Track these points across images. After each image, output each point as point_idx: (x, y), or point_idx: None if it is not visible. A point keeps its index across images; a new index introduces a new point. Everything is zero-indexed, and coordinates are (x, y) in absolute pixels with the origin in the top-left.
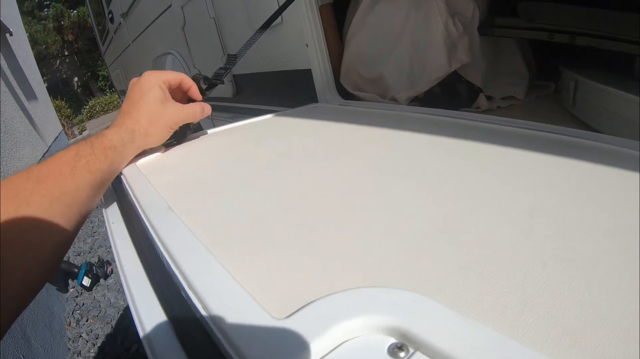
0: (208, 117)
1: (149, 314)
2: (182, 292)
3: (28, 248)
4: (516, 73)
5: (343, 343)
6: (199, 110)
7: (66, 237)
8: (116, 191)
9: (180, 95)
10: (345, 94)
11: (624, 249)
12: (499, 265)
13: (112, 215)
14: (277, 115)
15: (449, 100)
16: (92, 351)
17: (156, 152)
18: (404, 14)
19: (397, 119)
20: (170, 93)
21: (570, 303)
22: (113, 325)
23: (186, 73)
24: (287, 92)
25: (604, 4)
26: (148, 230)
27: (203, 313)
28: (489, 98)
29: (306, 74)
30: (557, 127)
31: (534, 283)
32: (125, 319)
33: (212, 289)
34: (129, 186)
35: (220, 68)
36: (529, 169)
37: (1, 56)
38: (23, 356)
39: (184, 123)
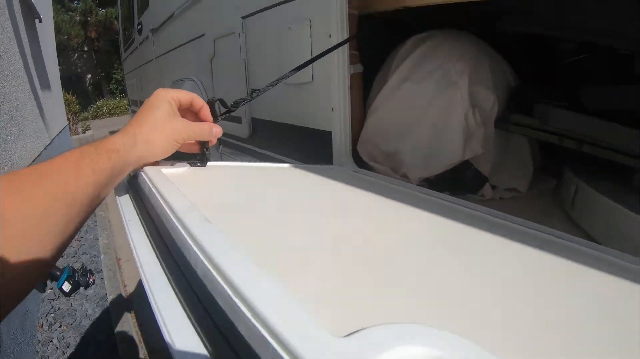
0: (217, 150)
1: (175, 322)
2: (224, 304)
3: (27, 244)
4: (522, 168)
5: None
6: (207, 129)
7: (65, 237)
8: (134, 191)
9: (193, 118)
10: (359, 162)
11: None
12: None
13: (129, 214)
14: (293, 166)
15: (457, 185)
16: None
17: (182, 167)
18: (429, 97)
19: (407, 196)
20: (181, 113)
21: None
22: (86, 338)
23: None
24: (302, 147)
25: (613, 118)
26: (184, 238)
27: (257, 324)
28: (493, 187)
29: (325, 136)
30: (555, 231)
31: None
32: (100, 334)
33: (265, 301)
34: (157, 189)
35: (240, 99)
36: (524, 269)
37: (27, 41)
38: None
39: (190, 140)
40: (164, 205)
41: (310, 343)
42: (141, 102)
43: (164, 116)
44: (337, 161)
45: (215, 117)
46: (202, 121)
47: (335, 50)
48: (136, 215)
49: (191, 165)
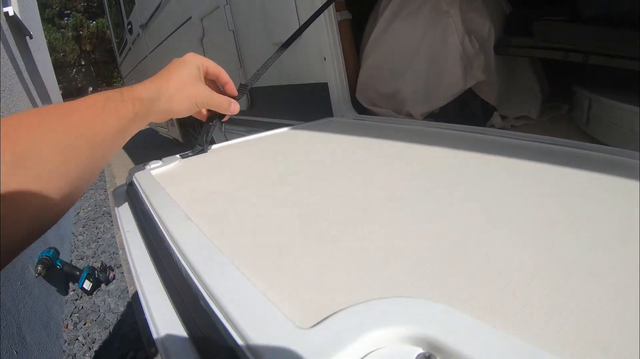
0: (220, 130)
1: (165, 322)
2: (201, 301)
3: (51, 176)
4: (530, 93)
5: (370, 353)
6: (227, 103)
7: (86, 176)
8: (131, 199)
9: (216, 90)
10: (360, 109)
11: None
12: (523, 275)
13: (127, 223)
14: (292, 128)
15: (464, 117)
16: (87, 354)
17: (172, 162)
18: (421, 31)
19: (413, 133)
20: (206, 83)
21: (597, 313)
22: (111, 330)
23: None
24: (302, 105)
25: (616, 24)
26: (165, 238)
27: (224, 321)
28: (502, 117)
29: (322, 88)
30: (572, 142)
31: (559, 293)
32: (124, 325)
33: (233, 297)
34: (145, 195)
35: (241, 85)
36: (545, 181)
37: (20, 57)
38: (17, 352)
39: (210, 107)
40: (151, 210)
41: (273, 337)
42: None
43: (190, 77)
44: (337, 112)
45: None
46: (227, 95)
47: (320, 0)
48: (134, 225)
49: (182, 157)
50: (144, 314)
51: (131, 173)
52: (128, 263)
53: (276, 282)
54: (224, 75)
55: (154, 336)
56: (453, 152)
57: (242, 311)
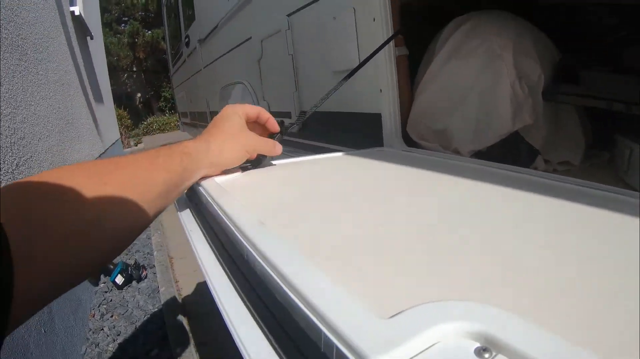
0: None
1: (241, 320)
2: (280, 296)
3: (102, 224)
4: (573, 140)
5: (435, 343)
6: (272, 145)
7: (136, 225)
8: (193, 203)
9: (259, 130)
10: (409, 142)
11: None
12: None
13: (190, 224)
14: (345, 154)
15: (508, 159)
16: (110, 345)
17: (233, 172)
18: (474, 71)
19: (461, 169)
20: (248, 126)
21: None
22: (137, 326)
23: (254, 104)
24: (353, 133)
25: None
26: (239, 239)
27: (307, 312)
28: (545, 161)
29: (375, 119)
30: (613, 188)
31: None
32: (151, 323)
33: (315, 291)
34: (212, 198)
35: (301, 112)
36: (587, 223)
37: (80, 55)
38: (45, 331)
39: (257, 153)
40: (220, 214)
41: (356, 326)
42: (190, 114)
43: (236, 128)
44: (387, 143)
45: (282, 132)
46: (269, 131)
47: (380, 33)
48: (197, 226)
49: (243, 170)
50: (218, 309)
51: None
52: (196, 260)
53: (354, 280)
54: (263, 114)
55: (233, 334)
56: (501, 189)
57: (325, 302)
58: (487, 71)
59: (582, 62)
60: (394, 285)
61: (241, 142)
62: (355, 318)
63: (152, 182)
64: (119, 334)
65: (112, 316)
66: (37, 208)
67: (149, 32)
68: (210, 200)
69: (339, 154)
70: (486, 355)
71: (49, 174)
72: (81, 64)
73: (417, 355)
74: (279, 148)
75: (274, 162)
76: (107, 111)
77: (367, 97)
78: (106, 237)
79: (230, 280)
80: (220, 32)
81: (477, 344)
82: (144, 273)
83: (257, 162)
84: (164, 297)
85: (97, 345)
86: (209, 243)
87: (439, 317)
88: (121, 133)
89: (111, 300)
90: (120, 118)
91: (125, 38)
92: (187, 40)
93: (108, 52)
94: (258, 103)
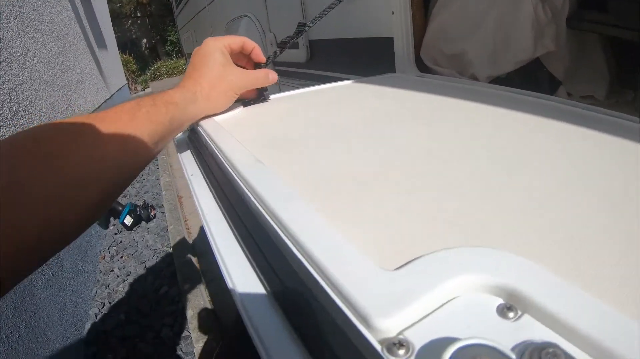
0: (275, 83)
1: (238, 266)
2: (278, 242)
3: (83, 181)
4: (598, 73)
5: (452, 299)
6: (263, 76)
7: (120, 178)
8: (194, 144)
9: (245, 60)
10: (422, 67)
11: None
12: (599, 238)
13: (191, 168)
14: (355, 81)
15: (528, 87)
16: (120, 286)
17: (235, 109)
18: None
19: (479, 94)
20: (233, 58)
21: None
22: (147, 266)
23: (260, 37)
24: (364, 59)
25: None
26: (236, 181)
27: (305, 262)
28: (568, 94)
29: (387, 43)
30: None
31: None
32: (160, 262)
33: (314, 239)
34: (211, 138)
35: (299, 24)
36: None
37: (79, 1)
38: (52, 274)
39: (248, 89)
40: (217, 153)
41: (357, 280)
42: None
43: (220, 69)
44: (400, 68)
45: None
46: (255, 62)
47: None
48: (197, 167)
49: (245, 106)
50: (214, 257)
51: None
52: (195, 207)
53: (356, 226)
54: (248, 43)
55: (228, 282)
56: (524, 117)
57: (324, 252)
58: None
59: None
60: (400, 230)
61: (229, 83)
62: (356, 270)
63: (134, 136)
64: (128, 275)
65: (122, 257)
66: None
67: None
68: (208, 140)
69: (348, 82)
70: (510, 314)
71: (25, 133)
72: (81, 10)
73: (428, 315)
74: (273, 75)
75: (277, 96)
76: (112, 57)
77: (378, 20)
78: (90, 196)
79: (228, 223)
80: None
81: (500, 301)
82: (153, 213)
83: (259, 95)
84: (172, 236)
85: (107, 286)
86: (208, 186)
87: (453, 268)
88: (127, 79)
89: (121, 242)
90: (125, 64)
91: None
92: None
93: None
94: (265, 35)
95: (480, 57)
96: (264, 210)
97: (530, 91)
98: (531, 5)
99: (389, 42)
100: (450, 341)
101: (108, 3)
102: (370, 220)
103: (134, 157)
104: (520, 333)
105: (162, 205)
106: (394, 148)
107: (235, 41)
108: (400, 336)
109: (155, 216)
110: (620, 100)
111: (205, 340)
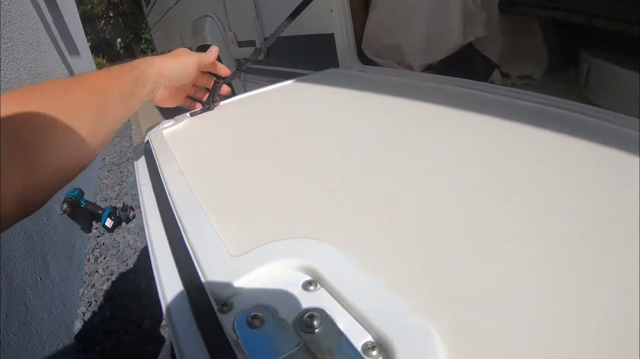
0: (239, 79)
1: (162, 254)
2: (183, 236)
3: (67, 132)
4: (535, 53)
5: (273, 277)
6: (212, 51)
7: (100, 133)
8: (147, 156)
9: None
10: (365, 60)
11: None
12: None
13: (143, 177)
14: (297, 80)
15: (465, 73)
16: (105, 285)
17: (182, 121)
18: None
19: (412, 88)
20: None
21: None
22: (128, 264)
23: (222, 36)
24: (311, 55)
25: None
26: (165, 190)
27: (190, 249)
28: (505, 75)
29: (329, 39)
30: (568, 103)
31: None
32: (140, 260)
33: (197, 234)
34: (155, 153)
35: (244, 59)
36: (533, 145)
37: (47, 10)
38: (40, 279)
39: (203, 64)
40: (157, 163)
41: (213, 263)
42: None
43: (180, 50)
44: (342, 63)
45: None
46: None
47: None
48: (147, 176)
49: (191, 115)
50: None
51: (147, 132)
52: (142, 211)
53: (233, 226)
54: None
55: (152, 264)
56: (445, 110)
57: (199, 244)
58: None
59: None
60: (258, 226)
61: (192, 57)
62: (216, 257)
63: (108, 91)
64: (112, 274)
65: (105, 258)
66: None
67: None
68: (153, 152)
69: (291, 82)
70: (311, 287)
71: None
72: (50, 20)
73: (255, 287)
74: (214, 49)
75: (223, 103)
76: (85, 63)
77: (319, 18)
78: (76, 145)
79: (165, 230)
80: None
81: (308, 278)
82: (132, 214)
83: (212, 93)
84: None
85: (92, 286)
86: (154, 193)
87: (278, 254)
88: None
89: (103, 243)
90: (100, 67)
91: None
92: None
93: (80, 1)
94: (226, 35)
95: (414, 47)
96: (177, 216)
97: (458, 79)
98: None
99: (330, 38)
100: (258, 304)
101: (79, 6)
102: (243, 220)
103: (111, 111)
104: (314, 302)
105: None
106: (288, 156)
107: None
108: (229, 300)
109: (134, 216)
110: (557, 78)
111: None
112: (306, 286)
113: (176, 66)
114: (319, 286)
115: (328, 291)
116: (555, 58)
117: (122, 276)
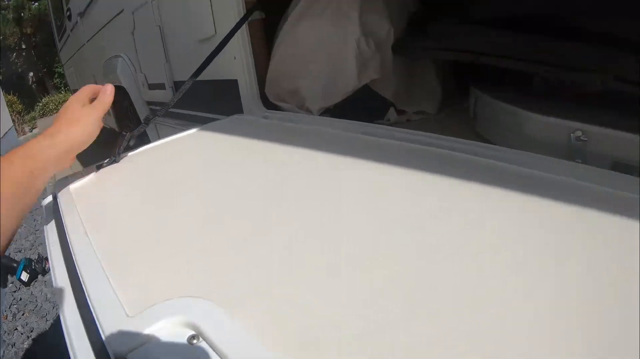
0: (153, 123)
1: (70, 309)
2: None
3: None
4: (429, 89)
5: (161, 333)
6: (107, 91)
7: None
8: (54, 213)
9: None
10: (269, 104)
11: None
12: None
13: (52, 237)
14: (200, 129)
15: (362, 113)
16: (25, 343)
17: (90, 174)
18: (323, 32)
19: (306, 136)
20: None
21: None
22: (48, 319)
23: (134, 77)
24: (218, 100)
25: (502, 26)
26: (69, 248)
27: (92, 311)
28: (400, 112)
29: (234, 84)
30: (457, 140)
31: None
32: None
33: (99, 295)
34: (62, 212)
35: (146, 117)
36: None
37: None
38: None
39: (105, 108)
40: (64, 228)
41: (111, 322)
42: None
43: (77, 108)
44: (246, 107)
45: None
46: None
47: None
48: (56, 236)
49: (98, 168)
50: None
51: (55, 186)
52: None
53: (127, 279)
54: (97, 87)
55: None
56: (337, 157)
57: (100, 306)
58: (335, 30)
59: (432, 14)
60: (155, 284)
61: (93, 115)
62: (114, 318)
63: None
64: (32, 331)
65: (23, 314)
66: None
67: (35, 4)
68: (60, 212)
69: (194, 131)
70: (194, 341)
71: None
72: None
73: (144, 344)
74: (109, 87)
75: (128, 154)
76: None
77: (223, 65)
78: None
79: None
80: (97, 5)
81: (192, 332)
82: (47, 265)
83: (113, 158)
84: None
85: (13, 345)
86: (62, 253)
87: (166, 313)
88: (14, 121)
89: (21, 299)
90: (10, 105)
91: (11, 13)
92: (69, 13)
93: None
94: (137, 76)
95: (313, 91)
96: (79, 275)
97: (357, 121)
98: (354, 40)
99: (234, 83)
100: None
101: None
102: (140, 277)
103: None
104: (197, 354)
105: None
106: (188, 210)
107: (88, 89)
108: (127, 356)
109: (49, 268)
110: (453, 110)
111: None
112: (190, 340)
113: (82, 135)
114: (201, 339)
115: (208, 344)
116: (448, 93)
117: (43, 332)
